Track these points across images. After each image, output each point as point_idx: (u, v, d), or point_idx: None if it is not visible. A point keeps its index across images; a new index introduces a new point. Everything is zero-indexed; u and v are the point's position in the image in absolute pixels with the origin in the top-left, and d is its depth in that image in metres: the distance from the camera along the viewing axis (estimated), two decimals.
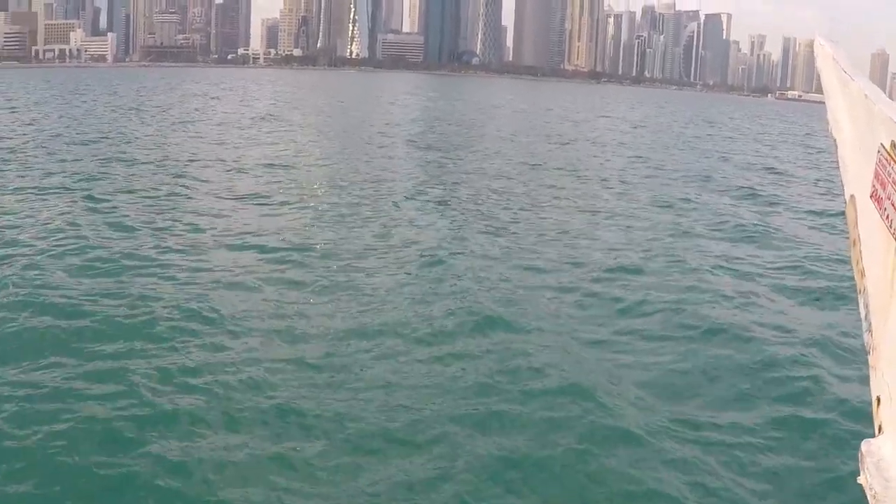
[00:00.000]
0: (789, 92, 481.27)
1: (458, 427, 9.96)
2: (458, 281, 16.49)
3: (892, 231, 1.54)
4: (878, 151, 1.61)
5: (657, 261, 19.84)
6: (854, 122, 1.84)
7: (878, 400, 1.60)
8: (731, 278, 18.45)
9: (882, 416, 1.59)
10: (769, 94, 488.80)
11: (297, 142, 43.51)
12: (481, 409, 10.50)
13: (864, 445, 1.59)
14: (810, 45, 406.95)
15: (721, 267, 19.63)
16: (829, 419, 10.34)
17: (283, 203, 25.11)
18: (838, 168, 1.96)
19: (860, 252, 1.77)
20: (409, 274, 17.24)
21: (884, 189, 1.58)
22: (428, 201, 26.09)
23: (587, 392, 10.95)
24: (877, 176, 1.63)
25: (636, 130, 74.55)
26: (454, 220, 23.55)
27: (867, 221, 1.71)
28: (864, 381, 1.71)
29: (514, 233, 22.43)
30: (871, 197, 1.67)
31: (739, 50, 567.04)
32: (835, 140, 1.98)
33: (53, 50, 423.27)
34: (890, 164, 1.55)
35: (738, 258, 20.92)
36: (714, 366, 12.31)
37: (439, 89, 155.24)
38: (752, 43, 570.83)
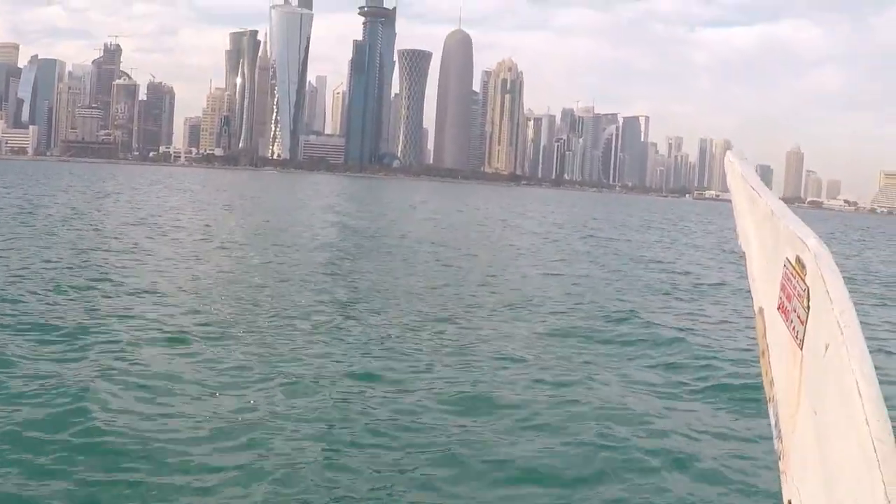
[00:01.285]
0: (706, 192, 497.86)
1: None
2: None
3: (798, 342, 1.61)
4: (784, 265, 1.68)
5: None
6: (762, 237, 1.92)
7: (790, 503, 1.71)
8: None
9: None
10: (687, 195, 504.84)
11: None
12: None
13: None
14: (726, 146, 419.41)
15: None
16: None
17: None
18: (747, 280, 2.04)
19: (769, 362, 1.85)
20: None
21: (789, 301, 1.66)
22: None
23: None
24: (783, 289, 1.70)
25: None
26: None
27: (775, 332, 1.78)
28: (776, 486, 1.77)
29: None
30: (778, 308, 1.74)
31: (657, 151, 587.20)
32: (744, 254, 2.08)
33: None
34: (795, 278, 1.62)
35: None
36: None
37: (358, 193, 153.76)
38: (670, 144, 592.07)
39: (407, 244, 44.99)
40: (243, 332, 17.94)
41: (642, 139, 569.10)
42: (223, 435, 11.26)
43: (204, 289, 24.25)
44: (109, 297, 21.73)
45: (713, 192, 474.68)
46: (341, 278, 28.33)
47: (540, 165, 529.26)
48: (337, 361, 15.87)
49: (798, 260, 1.61)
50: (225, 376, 14.23)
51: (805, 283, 1.57)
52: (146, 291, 22.84)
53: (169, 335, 17.11)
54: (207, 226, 50.58)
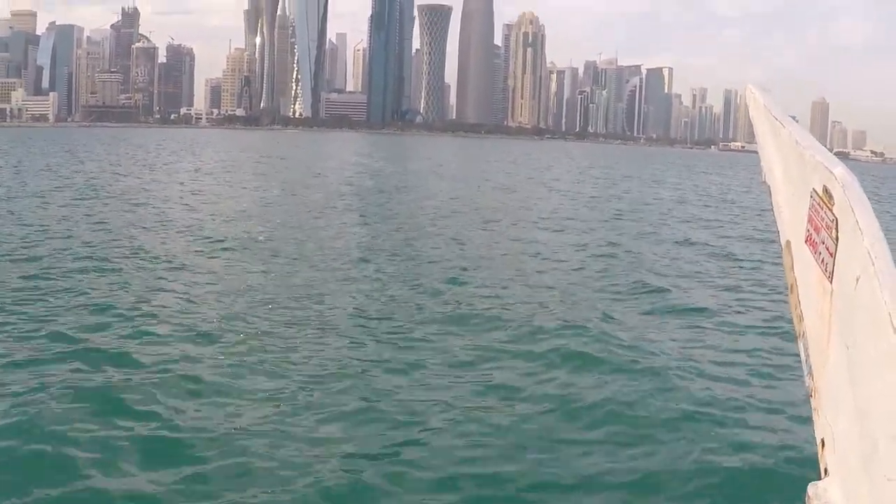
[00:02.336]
0: (732, 143, 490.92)
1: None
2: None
3: (828, 274, 1.56)
4: (811, 196, 1.64)
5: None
6: (786, 168, 1.88)
7: (823, 443, 1.63)
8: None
9: (827, 458, 1.61)
10: (712, 146, 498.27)
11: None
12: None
13: (811, 488, 1.62)
14: None
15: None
16: (776, 462, 10.29)
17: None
18: (773, 214, 2.00)
19: (797, 297, 1.80)
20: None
21: (817, 233, 1.62)
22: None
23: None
24: (810, 221, 1.66)
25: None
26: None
27: (803, 266, 1.74)
28: (809, 423, 1.75)
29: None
30: (805, 241, 1.70)
31: (681, 103, 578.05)
32: (769, 187, 2.02)
33: None
34: (822, 209, 1.58)
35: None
36: (656, 407, 12.17)
37: (382, 150, 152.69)
38: (694, 96, 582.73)
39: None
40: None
41: (666, 91, 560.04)
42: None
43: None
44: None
45: (738, 144, 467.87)
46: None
47: (563, 119, 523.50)
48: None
49: (825, 190, 1.57)
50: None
51: (833, 214, 1.53)
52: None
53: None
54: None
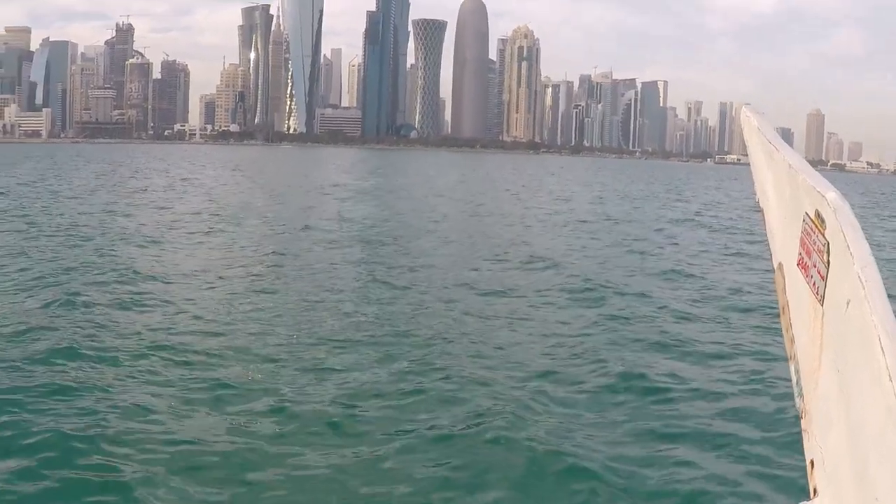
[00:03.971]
0: (728, 157, 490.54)
1: None
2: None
3: (819, 297, 1.59)
4: (804, 220, 1.68)
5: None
6: (780, 191, 1.90)
7: (812, 463, 1.66)
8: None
9: (816, 478, 1.64)
10: (708, 159, 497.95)
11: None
12: None
13: None
14: None
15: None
16: (764, 482, 10.19)
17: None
18: (766, 236, 2.03)
19: (789, 319, 1.83)
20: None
21: (809, 257, 1.65)
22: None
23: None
24: (802, 244, 1.69)
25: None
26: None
27: (794, 288, 1.77)
28: (798, 443, 1.77)
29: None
30: (797, 264, 1.73)
31: (676, 116, 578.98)
32: (762, 209, 2.06)
33: None
34: (815, 233, 1.61)
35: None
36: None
37: (378, 166, 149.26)
38: (689, 109, 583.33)
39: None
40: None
41: (661, 104, 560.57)
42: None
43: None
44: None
45: (734, 157, 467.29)
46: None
47: (559, 133, 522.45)
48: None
49: (817, 214, 1.59)
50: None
51: (825, 238, 1.56)
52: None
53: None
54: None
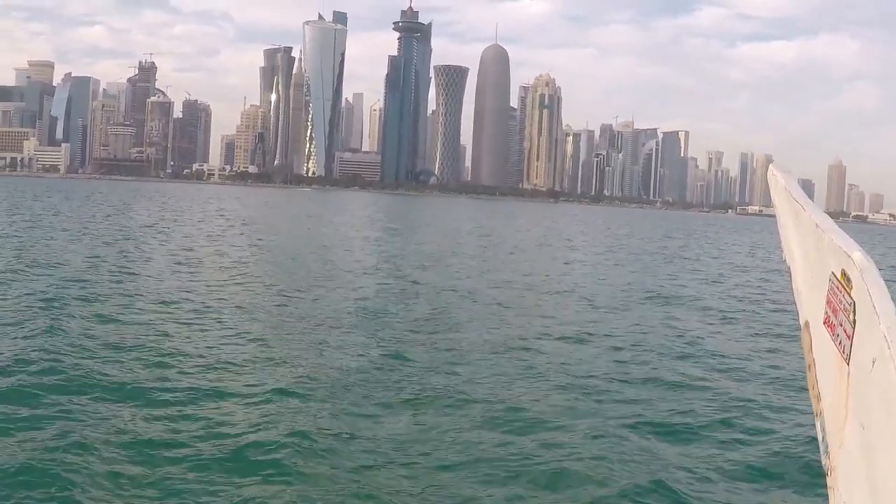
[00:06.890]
0: (750, 207, 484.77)
1: None
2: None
3: (845, 356, 1.61)
4: (830, 279, 1.68)
5: None
6: (806, 251, 1.91)
7: None
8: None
9: None
10: (730, 210, 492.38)
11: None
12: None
13: None
14: (767, 160, 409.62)
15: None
16: None
17: None
18: (793, 295, 2.03)
19: (815, 376, 1.84)
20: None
21: (836, 316, 1.65)
22: None
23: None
24: (829, 303, 1.70)
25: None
26: None
27: (821, 347, 1.79)
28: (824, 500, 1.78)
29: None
30: (824, 323, 1.74)
31: (697, 166, 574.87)
32: (789, 268, 2.07)
33: (5, 158, 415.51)
34: (841, 292, 1.62)
35: None
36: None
37: (397, 213, 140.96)
38: (710, 159, 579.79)
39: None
40: None
41: (682, 154, 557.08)
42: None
43: None
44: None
45: (756, 208, 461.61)
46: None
47: (579, 181, 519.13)
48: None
49: (843, 274, 1.62)
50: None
51: (851, 298, 1.58)
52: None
53: None
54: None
